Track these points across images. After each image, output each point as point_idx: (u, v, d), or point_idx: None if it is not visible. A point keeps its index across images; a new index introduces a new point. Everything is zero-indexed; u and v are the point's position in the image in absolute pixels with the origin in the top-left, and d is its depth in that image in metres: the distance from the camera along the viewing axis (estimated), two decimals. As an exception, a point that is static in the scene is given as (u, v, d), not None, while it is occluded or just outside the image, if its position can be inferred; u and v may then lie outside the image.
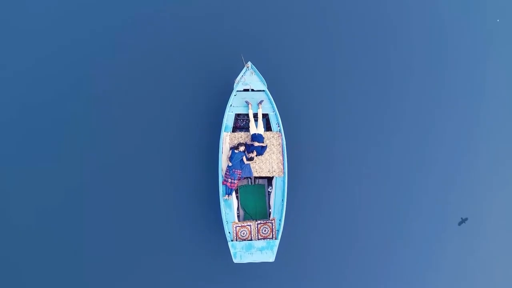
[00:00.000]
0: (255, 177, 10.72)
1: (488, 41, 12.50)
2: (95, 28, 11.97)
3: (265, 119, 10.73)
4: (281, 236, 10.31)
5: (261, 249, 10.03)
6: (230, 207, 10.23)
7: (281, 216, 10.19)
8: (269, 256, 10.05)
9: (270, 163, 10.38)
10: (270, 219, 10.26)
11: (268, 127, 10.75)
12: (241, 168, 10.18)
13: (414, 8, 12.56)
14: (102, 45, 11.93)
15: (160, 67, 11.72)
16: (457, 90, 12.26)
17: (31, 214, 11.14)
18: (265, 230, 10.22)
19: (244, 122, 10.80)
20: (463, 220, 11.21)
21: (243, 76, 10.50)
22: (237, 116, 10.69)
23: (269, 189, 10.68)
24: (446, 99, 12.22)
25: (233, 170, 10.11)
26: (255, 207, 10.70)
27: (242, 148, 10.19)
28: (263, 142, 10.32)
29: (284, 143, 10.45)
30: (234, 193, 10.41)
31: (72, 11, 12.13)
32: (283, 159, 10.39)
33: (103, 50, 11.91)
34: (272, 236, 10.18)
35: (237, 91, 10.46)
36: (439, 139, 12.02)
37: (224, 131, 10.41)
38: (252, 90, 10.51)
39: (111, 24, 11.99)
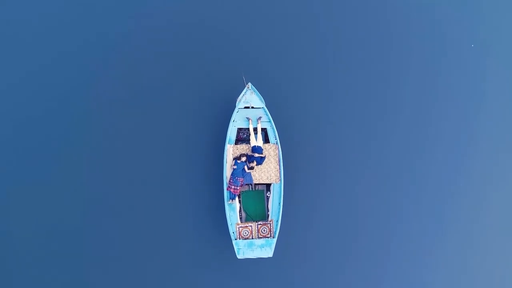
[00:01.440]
0: (255, 184, 10.92)
1: (488, 43, 12.16)
2: (104, 51, 11.70)
3: (263, 132, 10.96)
4: (278, 235, 10.57)
5: (261, 246, 10.35)
6: (233, 210, 10.52)
7: (278, 218, 10.51)
8: (268, 253, 10.38)
9: (268, 171, 10.65)
10: (269, 220, 10.56)
11: (266, 140, 10.98)
12: (243, 176, 10.44)
13: (406, 21, 12.20)
14: (110, 65, 11.65)
15: (171, 88, 11.65)
16: (455, 90, 11.90)
17: (36, 219, 10.93)
18: (264, 230, 10.48)
19: (245, 135, 11.05)
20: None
21: (244, 95, 10.80)
22: (239, 130, 10.93)
23: (267, 194, 10.90)
24: (442, 106, 11.82)
25: (236, 178, 10.39)
26: (256, 210, 10.92)
27: (243, 159, 10.47)
28: (262, 153, 10.60)
29: (281, 153, 10.71)
30: (237, 198, 10.64)
31: (75, 28, 11.72)
32: (279, 168, 10.66)
33: (112, 70, 11.64)
34: (270, 235, 10.45)
35: (239, 108, 10.78)
36: (435, 146, 11.66)
37: (228, 144, 10.68)
38: (252, 107, 10.81)
39: (122, 44, 11.76)
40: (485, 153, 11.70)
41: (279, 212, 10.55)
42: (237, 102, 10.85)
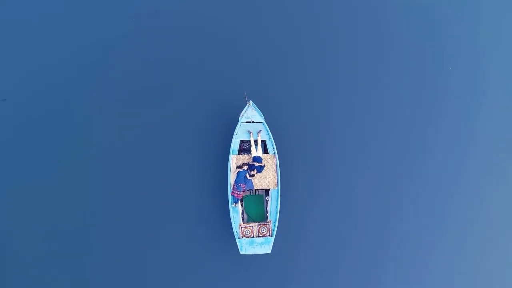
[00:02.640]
0: (256, 189, 11.30)
1: (488, 43, 11.89)
2: (111, 64, 11.42)
3: (263, 144, 11.31)
4: (276, 234, 10.99)
5: (261, 244, 10.75)
6: (237, 212, 10.89)
7: (276, 219, 10.90)
8: (267, 249, 10.79)
9: (267, 178, 11.03)
10: (267, 221, 10.93)
11: (265, 151, 11.33)
12: (245, 182, 10.84)
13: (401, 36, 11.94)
14: (113, 67, 11.32)
15: (184, 106, 11.70)
16: (455, 90, 11.54)
17: (36, 219, 10.56)
18: (263, 230, 10.85)
19: (246, 146, 11.38)
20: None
21: (246, 111, 11.18)
22: (242, 142, 11.26)
23: (266, 198, 11.25)
24: (441, 106, 11.38)
25: (239, 184, 10.78)
26: (256, 212, 11.28)
27: (245, 167, 10.88)
28: (261, 162, 10.99)
29: (278, 163, 11.11)
30: (239, 202, 11.00)
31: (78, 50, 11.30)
32: (277, 175, 11.05)
33: (116, 72, 11.32)
34: (269, 234, 10.85)
35: (241, 123, 11.19)
36: (435, 146, 11.31)
37: (232, 154, 11.03)
38: (253, 122, 11.20)
39: (125, 48, 11.55)
40: (485, 153, 11.47)
41: (276, 214, 10.93)
42: (239, 117, 11.30)
